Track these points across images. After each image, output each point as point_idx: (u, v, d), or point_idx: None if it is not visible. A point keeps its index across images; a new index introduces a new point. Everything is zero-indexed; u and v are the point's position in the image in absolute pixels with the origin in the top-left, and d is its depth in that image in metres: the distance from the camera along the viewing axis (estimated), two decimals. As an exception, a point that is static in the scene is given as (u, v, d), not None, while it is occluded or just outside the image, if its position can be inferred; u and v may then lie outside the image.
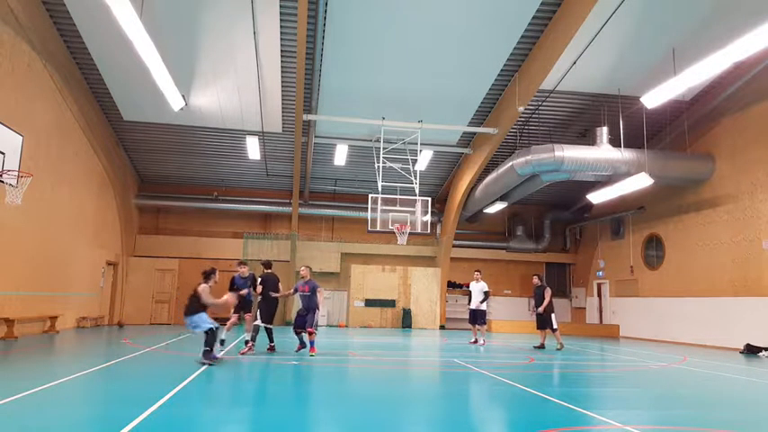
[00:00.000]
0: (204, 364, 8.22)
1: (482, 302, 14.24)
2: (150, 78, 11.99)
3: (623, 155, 15.06)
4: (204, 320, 8.43)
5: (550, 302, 13.41)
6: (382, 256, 21.79)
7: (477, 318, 14.32)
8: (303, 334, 10.45)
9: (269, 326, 10.40)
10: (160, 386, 6.32)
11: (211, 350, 8.42)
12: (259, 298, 10.45)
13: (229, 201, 20.96)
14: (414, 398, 6.86)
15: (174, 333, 15.00)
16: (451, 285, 22.52)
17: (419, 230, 14.75)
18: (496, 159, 17.57)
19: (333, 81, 14.73)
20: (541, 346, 13.40)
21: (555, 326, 13.27)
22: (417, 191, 14.99)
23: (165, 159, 19.46)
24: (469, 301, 14.60)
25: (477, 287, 14.35)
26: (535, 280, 14.06)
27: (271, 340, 10.52)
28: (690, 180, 16.26)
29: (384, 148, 15.48)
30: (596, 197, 16.95)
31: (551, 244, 23.01)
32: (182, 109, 14.21)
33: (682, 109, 15.94)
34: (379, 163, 15.16)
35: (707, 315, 15.74)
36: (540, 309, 13.35)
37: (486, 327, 14.89)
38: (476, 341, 14.28)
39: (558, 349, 13.13)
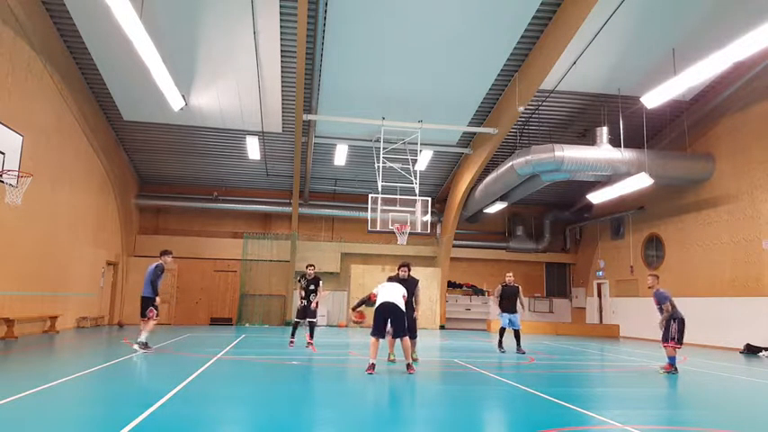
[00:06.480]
0: None
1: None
2: (150, 78, 12.00)
3: (623, 155, 15.05)
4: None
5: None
6: (382, 256, 21.76)
7: None
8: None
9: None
10: (160, 386, 6.33)
11: None
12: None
13: (229, 201, 20.94)
14: (414, 398, 6.85)
15: (173, 333, 14.99)
16: (451, 285, 22.51)
17: (419, 230, 14.73)
18: (496, 159, 17.56)
19: (333, 81, 14.72)
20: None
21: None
22: (417, 191, 14.98)
23: (165, 159, 19.45)
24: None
25: None
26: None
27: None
28: (690, 180, 16.26)
29: (384, 148, 15.47)
30: (596, 197, 16.95)
31: (551, 244, 23.00)
32: (182, 109, 14.21)
33: (682, 109, 15.94)
34: (379, 163, 15.15)
35: (707, 315, 15.71)
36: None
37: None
38: None
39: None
